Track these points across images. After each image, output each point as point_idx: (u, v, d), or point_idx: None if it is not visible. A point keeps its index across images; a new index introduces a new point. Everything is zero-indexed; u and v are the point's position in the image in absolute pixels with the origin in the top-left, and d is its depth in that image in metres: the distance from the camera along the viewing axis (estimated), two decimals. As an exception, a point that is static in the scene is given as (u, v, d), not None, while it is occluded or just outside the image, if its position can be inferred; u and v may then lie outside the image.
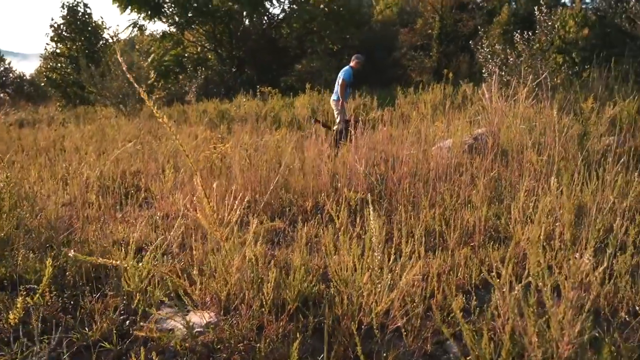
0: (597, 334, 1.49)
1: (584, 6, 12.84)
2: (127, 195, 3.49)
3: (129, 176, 4.01)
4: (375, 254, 1.60)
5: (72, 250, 1.39)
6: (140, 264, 1.47)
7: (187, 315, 1.75)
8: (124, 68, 1.03)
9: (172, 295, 1.90)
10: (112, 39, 18.68)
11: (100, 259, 1.41)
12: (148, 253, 1.91)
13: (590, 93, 5.57)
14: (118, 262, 1.41)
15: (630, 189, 2.32)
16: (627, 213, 2.11)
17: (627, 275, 1.67)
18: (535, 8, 7.92)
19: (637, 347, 1.35)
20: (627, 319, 1.45)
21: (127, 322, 1.79)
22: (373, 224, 1.66)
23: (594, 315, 1.63)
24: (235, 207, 1.51)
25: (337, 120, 6.78)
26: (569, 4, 14.99)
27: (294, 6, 19.08)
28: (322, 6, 18.17)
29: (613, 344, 1.41)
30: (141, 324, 1.75)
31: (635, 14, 7.63)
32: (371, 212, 1.67)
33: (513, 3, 18.32)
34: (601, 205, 2.36)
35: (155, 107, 1.40)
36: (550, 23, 7.73)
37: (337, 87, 6.84)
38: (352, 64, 6.78)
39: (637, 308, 1.48)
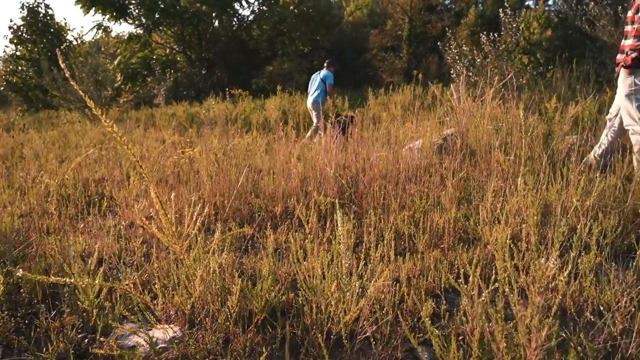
0: (563, 335, 1.50)
1: (546, 8, 13.26)
2: (89, 204, 3.36)
3: (92, 184, 3.87)
4: (344, 261, 1.56)
5: (20, 269, 1.30)
6: (97, 281, 1.39)
7: (150, 330, 1.68)
8: (66, 74, 0.96)
9: (134, 309, 1.82)
10: (76, 41, 18.15)
11: (52, 277, 1.33)
12: (108, 267, 1.83)
13: (554, 93, 5.72)
14: (72, 280, 1.32)
15: (592, 187, 2.36)
16: (590, 212, 2.16)
17: (591, 274, 1.69)
18: (501, 10, 8.10)
19: (603, 348, 1.36)
20: (592, 319, 1.46)
21: (86, 340, 1.70)
22: (341, 230, 1.63)
23: (560, 315, 1.64)
24: (195, 217, 1.45)
25: (315, 121, 6.89)
26: (532, 7, 15.45)
27: (264, 7, 18.98)
28: (291, 8, 18.14)
29: (579, 345, 1.42)
30: (101, 339, 1.67)
31: (595, 17, 7.91)
32: (339, 219, 1.63)
33: (480, 5, 18.75)
34: (566, 204, 2.40)
35: (111, 113, 1.33)
36: (515, 25, 7.92)
37: (317, 90, 6.98)
38: (331, 69, 7.04)
39: (602, 308, 1.50)
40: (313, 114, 7.20)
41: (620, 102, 3.34)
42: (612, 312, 1.41)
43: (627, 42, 3.18)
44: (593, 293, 1.61)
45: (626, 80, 3.21)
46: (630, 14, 3.22)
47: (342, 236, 1.61)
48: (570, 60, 7.09)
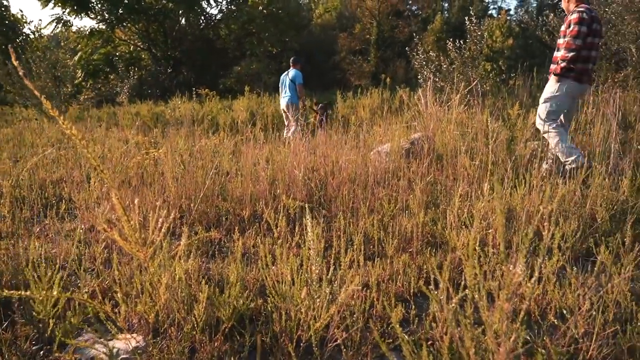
0: (528, 337, 1.54)
1: (508, 18, 13.71)
2: (46, 206, 3.20)
3: (49, 185, 3.69)
4: (314, 267, 1.54)
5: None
6: (55, 292, 1.32)
7: (111, 340, 1.61)
8: (20, 73, 0.89)
9: (93, 319, 1.74)
10: (34, 34, 17.35)
11: (5, 290, 1.25)
12: (67, 273, 1.73)
13: (516, 100, 5.91)
14: (27, 292, 1.24)
15: (554, 192, 2.44)
16: (552, 217, 2.22)
17: (554, 277, 1.74)
18: (466, 18, 8.32)
19: (566, 351, 1.40)
20: (556, 322, 1.50)
21: (41, 352, 1.61)
22: (311, 235, 1.61)
23: (526, 318, 1.68)
24: (161, 224, 1.40)
25: (293, 122, 6.83)
26: (495, 15, 15.94)
27: (232, 7, 18.75)
28: (260, 8, 17.99)
29: (543, 348, 1.45)
30: (57, 354, 1.58)
31: (554, 27, 8.24)
32: (309, 224, 1.61)
33: (445, 12, 19.20)
34: (528, 208, 2.46)
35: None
36: (479, 33, 8.15)
37: (289, 91, 6.93)
38: (297, 66, 6.99)
39: (565, 312, 1.54)
40: (289, 115, 7.15)
41: (540, 103, 3.72)
42: (575, 316, 1.45)
43: (559, 54, 3.54)
44: (556, 296, 1.66)
45: (552, 85, 3.59)
46: (563, 28, 3.58)
47: (312, 241, 1.58)
48: (531, 68, 7.36)
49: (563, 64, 3.46)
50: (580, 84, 3.53)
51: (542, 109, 3.66)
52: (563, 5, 3.75)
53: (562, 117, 3.76)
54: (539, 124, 3.69)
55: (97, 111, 11.51)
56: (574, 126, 4.47)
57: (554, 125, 3.55)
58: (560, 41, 3.57)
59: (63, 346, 1.61)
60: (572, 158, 3.37)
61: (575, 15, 3.43)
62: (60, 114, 1.15)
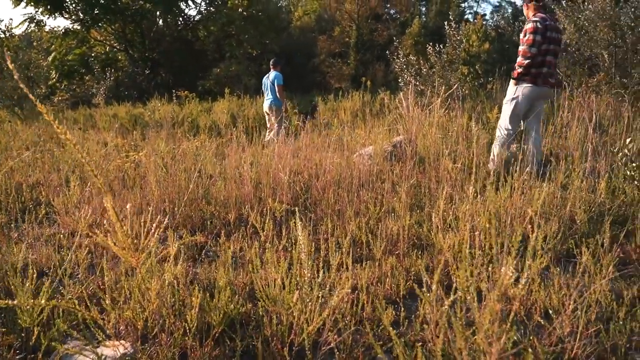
0: (516, 338, 1.57)
1: (484, 22, 14.00)
2: (24, 211, 3.12)
3: (26, 189, 3.59)
4: (305, 271, 1.55)
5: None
6: (42, 300, 1.28)
7: (98, 348, 1.57)
8: (15, 76, 0.87)
9: (80, 326, 1.70)
10: (4, 34, 16.84)
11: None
12: (49, 280, 1.69)
13: (495, 103, 6.04)
14: (14, 302, 1.21)
15: (539, 195, 2.50)
16: (533, 219, 2.28)
17: (538, 278, 1.79)
18: (446, 23, 8.45)
19: (552, 351, 1.44)
20: (542, 322, 1.54)
21: (25, 361, 1.57)
22: (302, 239, 1.61)
23: (514, 319, 1.71)
24: (153, 230, 1.38)
25: (276, 125, 6.78)
26: (471, 20, 16.26)
27: (211, 8, 18.59)
28: (240, 10, 17.89)
29: (531, 347, 1.49)
30: (42, 361, 1.54)
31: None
32: (299, 228, 1.61)
33: (423, 16, 19.45)
34: (511, 211, 2.52)
35: (52, 113, 1.23)
36: (458, 37, 8.29)
37: (271, 94, 6.89)
38: (277, 68, 6.96)
39: (550, 312, 1.59)
40: (272, 118, 7.10)
41: (503, 104, 3.99)
42: (560, 316, 1.49)
43: (517, 60, 3.82)
44: (541, 297, 1.70)
45: (511, 89, 3.88)
46: (522, 36, 3.84)
47: (303, 245, 1.59)
48: (508, 72, 7.51)
49: (519, 70, 3.74)
50: (536, 86, 3.76)
51: (505, 111, 3.92)
52: (524, 12, 4.03)
53: (530, 118, 3.89)
54: (500, 122, 3.98)
55: (73, 113, 11.24)
56: (551, 130, 4.60)
57: (509, 133, 3.85)
58: (520, 48, 3.82)
59: (48, 354, 1.57)
60: (492, 164, 3.75)
61: (530, 25, 3.69)
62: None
